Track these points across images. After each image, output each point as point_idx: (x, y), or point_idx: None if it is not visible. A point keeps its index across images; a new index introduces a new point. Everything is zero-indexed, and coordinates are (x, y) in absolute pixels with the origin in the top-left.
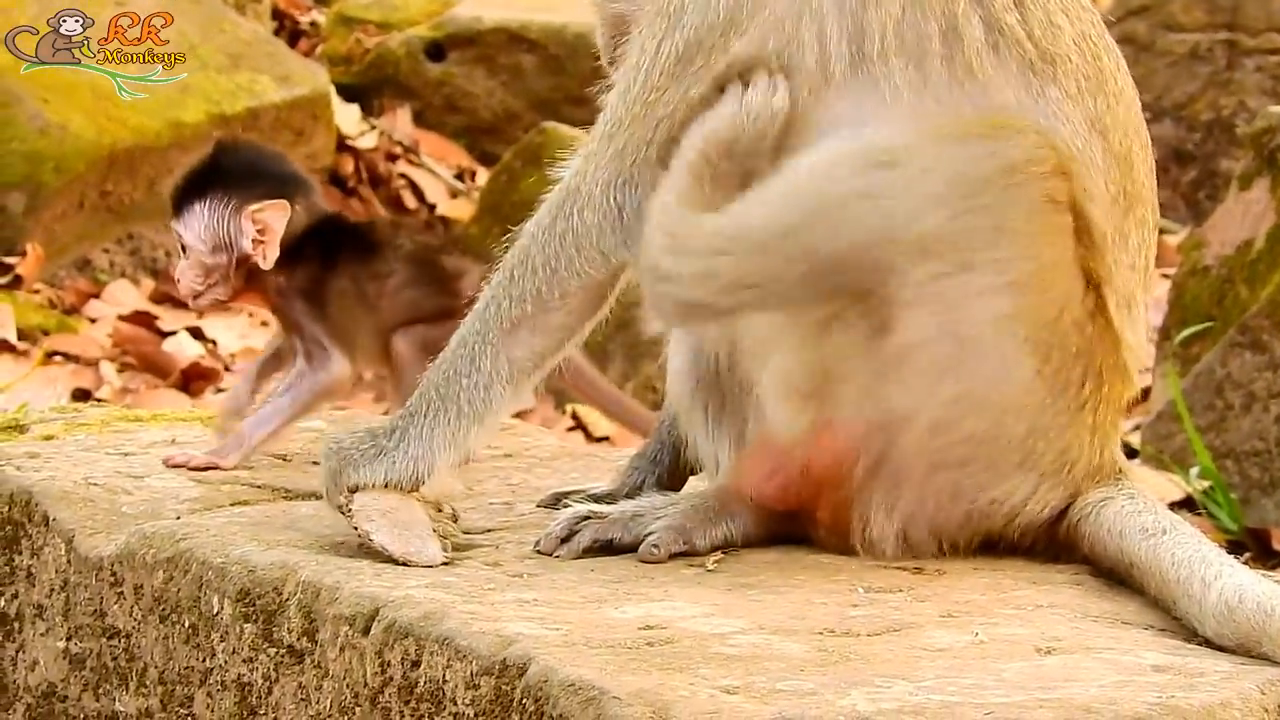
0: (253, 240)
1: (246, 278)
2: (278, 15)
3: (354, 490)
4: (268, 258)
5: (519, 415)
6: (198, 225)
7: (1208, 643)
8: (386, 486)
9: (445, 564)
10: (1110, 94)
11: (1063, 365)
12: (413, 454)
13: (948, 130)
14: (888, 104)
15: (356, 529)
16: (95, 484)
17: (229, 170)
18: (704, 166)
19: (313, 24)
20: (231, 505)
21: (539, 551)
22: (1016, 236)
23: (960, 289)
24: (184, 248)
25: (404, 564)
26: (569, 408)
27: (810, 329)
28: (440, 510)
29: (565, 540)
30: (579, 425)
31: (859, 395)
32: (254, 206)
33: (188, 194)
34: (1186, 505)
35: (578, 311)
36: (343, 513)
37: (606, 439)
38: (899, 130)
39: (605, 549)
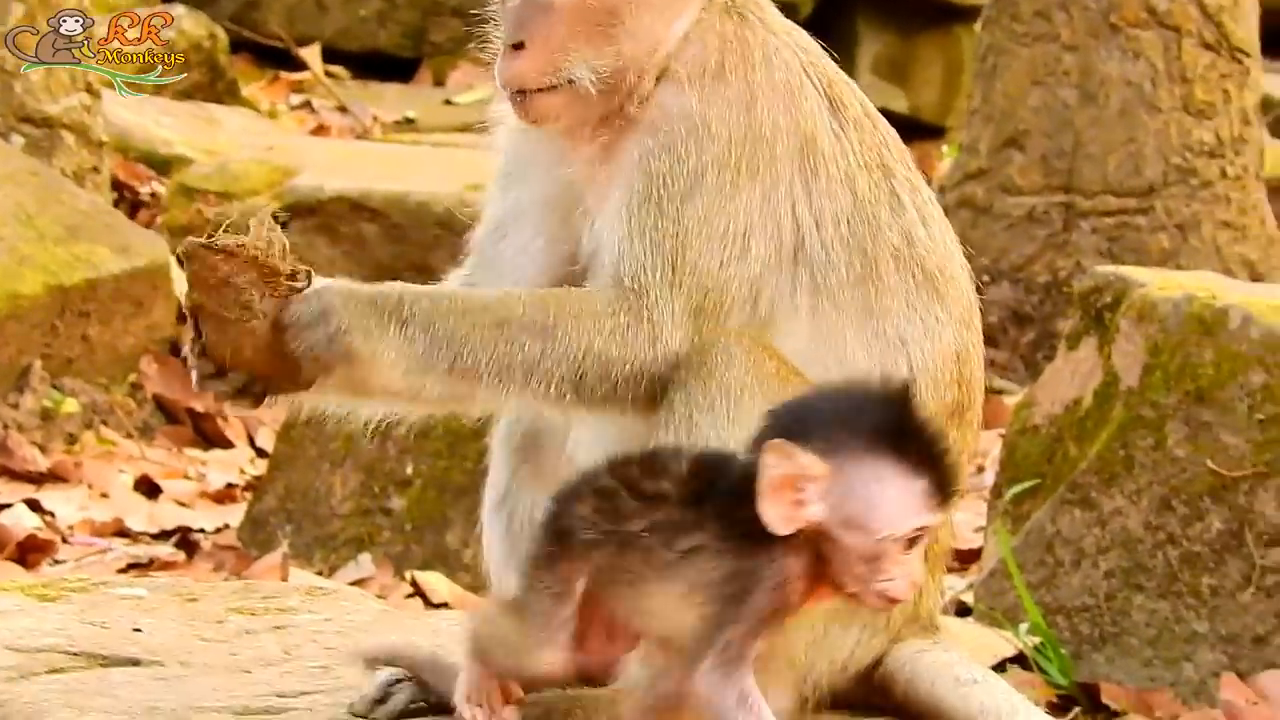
0: None
1: None
2: (117, 186)
3: None
4: None
5: (356, 583)
6: None
7: None
8: None
9: None
10: (974, 328)
11: None
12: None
13: None
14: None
15: None
16: None
17: None
18: None
19: (153, 195)
20: (47, 673)
21: (354, 714)
22: None
23: None
24: None
25: None
26: (408, 574)
27: None
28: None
29: (381, 701)
30: (417, 592)
31: None
32: None
33: None
34: (1018, 661)
35: None
36: None
37: (445, 605)
38: None
39: (421, 710)
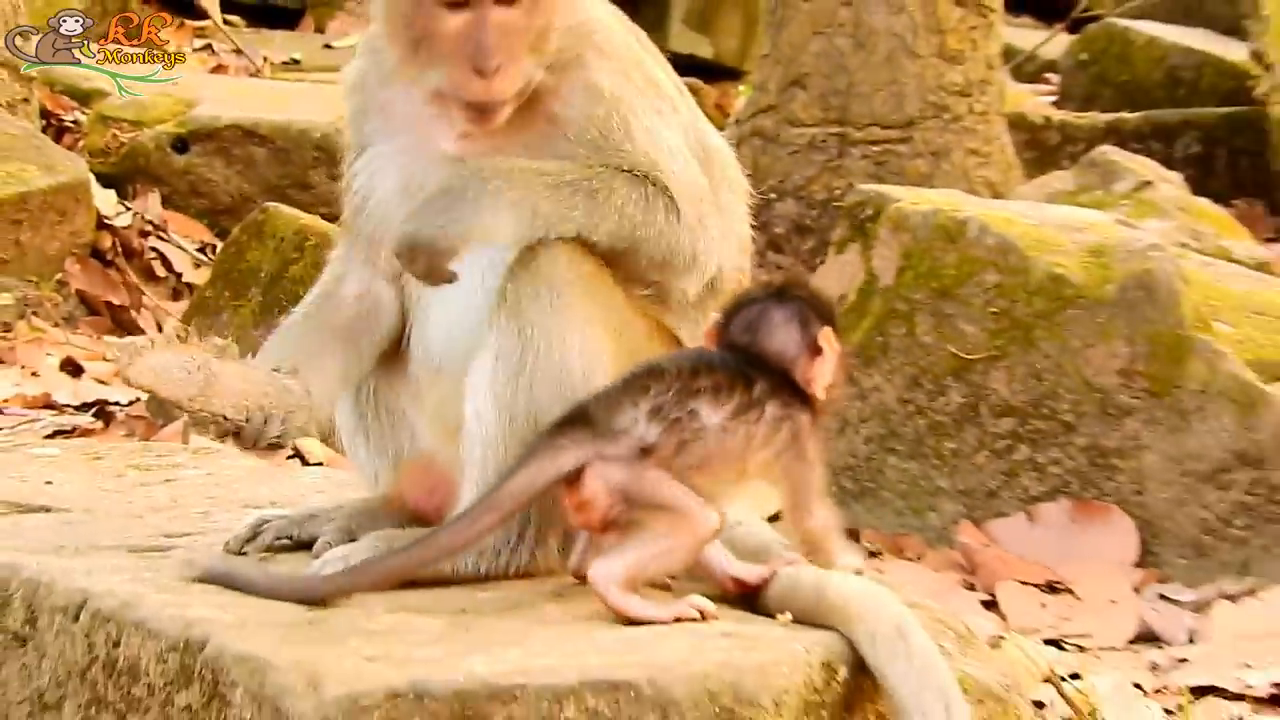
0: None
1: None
2: (45, 115)
3: None
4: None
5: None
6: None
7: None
8: None
9: None
10: (748, 221)
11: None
12: None
13: None
14: None
15: None
16: None
17: None
18: None
19: (75, 122)
20: None
21: (227, 550)
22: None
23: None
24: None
25: None
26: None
27: None
28: None
29: (251, 540)
30: (297, 453)
31: None
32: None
33: None
34: None
35: None
36: None
37: (321, 464)
38: None
39: (287, 546)
